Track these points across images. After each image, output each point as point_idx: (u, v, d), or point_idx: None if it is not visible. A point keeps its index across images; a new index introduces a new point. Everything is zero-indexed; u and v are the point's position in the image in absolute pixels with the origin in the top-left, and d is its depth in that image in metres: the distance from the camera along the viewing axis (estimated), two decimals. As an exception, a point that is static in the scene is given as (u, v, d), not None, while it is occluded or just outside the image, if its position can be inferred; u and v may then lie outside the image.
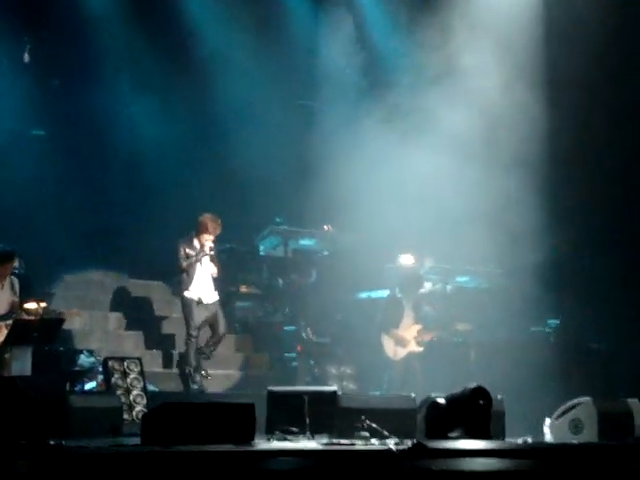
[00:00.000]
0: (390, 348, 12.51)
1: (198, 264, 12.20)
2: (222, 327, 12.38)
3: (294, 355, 13.49)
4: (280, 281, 14.77)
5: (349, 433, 9.45)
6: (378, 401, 10.35)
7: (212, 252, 12.25)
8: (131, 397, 11.40)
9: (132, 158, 14.76)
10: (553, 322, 14.12)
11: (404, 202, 13.70)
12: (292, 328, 13.84)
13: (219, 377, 13.04)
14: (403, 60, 14.81)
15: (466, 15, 14.31)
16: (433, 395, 9.86)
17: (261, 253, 15.08)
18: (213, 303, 12.33)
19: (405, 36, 14.82)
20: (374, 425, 9.44)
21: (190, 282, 12.16)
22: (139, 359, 11.76)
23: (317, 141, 15.05)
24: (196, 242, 12.23)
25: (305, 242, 15.12)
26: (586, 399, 10.70)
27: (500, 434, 9.96)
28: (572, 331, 13.98)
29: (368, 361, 13.01)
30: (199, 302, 12.19)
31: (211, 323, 12.35)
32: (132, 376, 11.52)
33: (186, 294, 12.18)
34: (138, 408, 11.31)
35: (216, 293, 12.38)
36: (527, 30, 14.26)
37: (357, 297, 14.15)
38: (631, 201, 14.58)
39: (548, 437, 10.63)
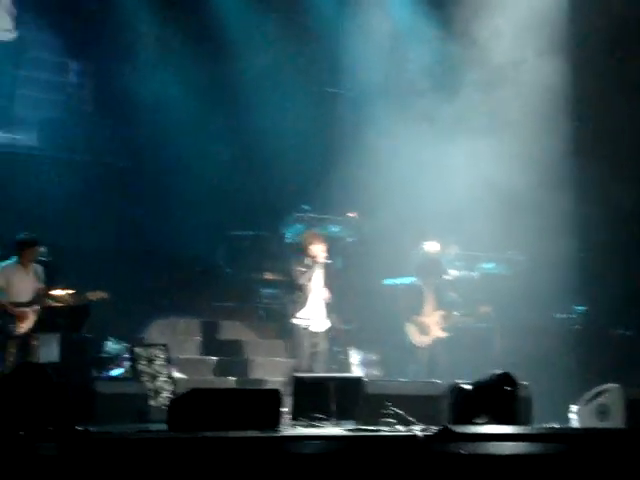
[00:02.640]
0: (414, 335, 12.48)
1: (312, 287, 11.63)
2: (322, 358, 11.61)
3: (319, 342, 13.48)
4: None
5: (375, 420, 9.44)
6: (404, 387, 10.31)
7: (327, 259, 11.71)
8: (157, 383, 11.43)
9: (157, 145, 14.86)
10: (579, 308, 14.06)
11: (430, 189, 13.67)
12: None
13: (244, 363, 13.10)
14: (429, 51, 14.73)
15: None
16: (459, 381, 9.83)
17: (287, 240, 15.08)
18: (322, 332, 11.69)
19: (433, 28, 14.71)
20: (400, 411, 9.43)
21: (304, 303, 11.58)
22: (165, 345, 11.78)
23: (344, 128, 15.03)
24: (307, 260, 11.70)
25: (330, 229, 15.10)
26: (613, 386, 10.66)
27: (527, 420, 9.92)
28: (598, 318, 13.91)
29: (393, 347, 12.99)
30: (305, 328, 11.57)
31: (312, 352, 11.59)
32: (158, 363, 11.55)
33: (294, 321, 11.59)
34: (164, 394, 11.34)
35: (328, 321, 11.75)
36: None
37: (383, 284, 14.12)
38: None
39: (575, 423, 10.60)
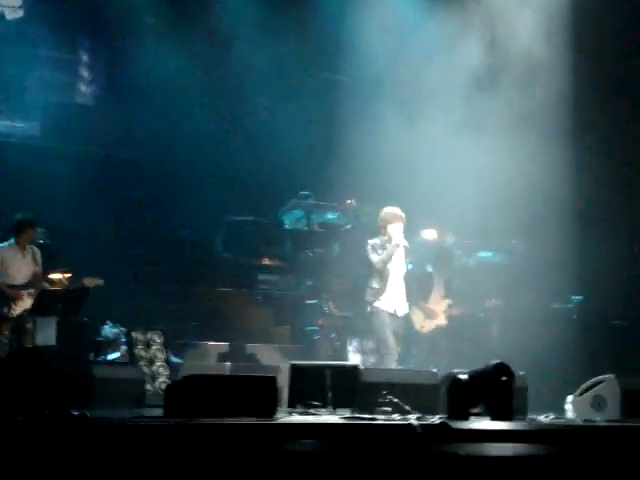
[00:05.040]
0: (419, 320, 12.51)
1: (391, 269, 10.96)
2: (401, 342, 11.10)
3: (316, 328, 13.50)
4: (303, 254, 14.78)
5: (371, 408, 9.45)
6: (400, 376, 10.31)
7: (405, 243, 10.94)
8: (154, 368, 11.45)
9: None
10: (576, 298, 14.08)
11: (430, 178, 13.67)
12: (314, 301, 13.84)
13: (241, 349, 13.11)
14: (435, 42, 14.67)
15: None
16: (455, 371, 9.84)
17: (286, 226, 15.09)
18: (403, 316, 11.15)
19: (437, 15, 14.64)
20: (396, 400, 9.44)
21: (384, 288, 10.92)
22: (162, 330, 11.79)
23: (345, 116, 15.00)
24: (384, 239, 10.96)
25: (328, 216, 15.11)
26: (609, 376, 10.66)
27: (522, 410, 9.93)
28: (595, 308, 13.92)
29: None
30: (393, 314, 10.96)
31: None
32: (155, 347, 11.57)
33: (377, 305, 10.93)
34: (161, 379, 11.37)
35: (407, 305, 11.16)
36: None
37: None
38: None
39: (570, 414, 10.60)
